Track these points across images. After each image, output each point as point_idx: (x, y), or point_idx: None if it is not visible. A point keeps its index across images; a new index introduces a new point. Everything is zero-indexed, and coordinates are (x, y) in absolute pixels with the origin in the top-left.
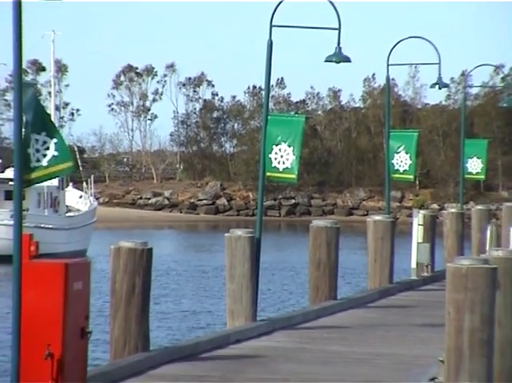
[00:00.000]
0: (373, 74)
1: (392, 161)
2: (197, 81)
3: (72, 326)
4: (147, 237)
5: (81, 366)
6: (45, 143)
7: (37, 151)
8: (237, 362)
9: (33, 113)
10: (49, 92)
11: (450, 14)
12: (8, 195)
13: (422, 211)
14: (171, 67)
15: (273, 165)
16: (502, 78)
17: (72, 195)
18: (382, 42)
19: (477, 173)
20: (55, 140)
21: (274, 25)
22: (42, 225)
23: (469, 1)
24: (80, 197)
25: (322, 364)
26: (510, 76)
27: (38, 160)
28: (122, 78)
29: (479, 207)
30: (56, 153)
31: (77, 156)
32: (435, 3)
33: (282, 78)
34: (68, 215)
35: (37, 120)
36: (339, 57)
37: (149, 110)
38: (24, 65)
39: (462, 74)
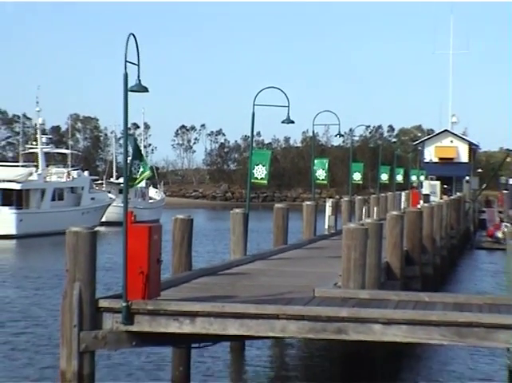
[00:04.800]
0: (307, 129)
1: (316, 174)
2: (217, 133)
3: (153, 257)
4: (190, 212)
5: (157, 278)
6: (138, 165)
7: (134, 169)
8: (236, 276)
9: (133, 150)
10: (141, 139)
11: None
12: (120, 191)
13: (331, 199)
14: (203, 125)
15: (255, 176)
16: (370, 132)
17: (152, 191)
18: (311, 112)
19: (358, 180)
20: (143, 163)
21: (256, 104)
22: (137, 206)
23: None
24: (156, 192)
25: (280, 277)
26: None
27: (135, 174)
28: (178, 131)
29: (359, 197)
30: (142, 170)
31: (155, 171)
32: (340, 86)
33: (260, 131)
34: (150, 201)
35: (135, 154)
36: (288, 121)
37: (191, 148)
38: (128, 125)
39: (350, 130)
